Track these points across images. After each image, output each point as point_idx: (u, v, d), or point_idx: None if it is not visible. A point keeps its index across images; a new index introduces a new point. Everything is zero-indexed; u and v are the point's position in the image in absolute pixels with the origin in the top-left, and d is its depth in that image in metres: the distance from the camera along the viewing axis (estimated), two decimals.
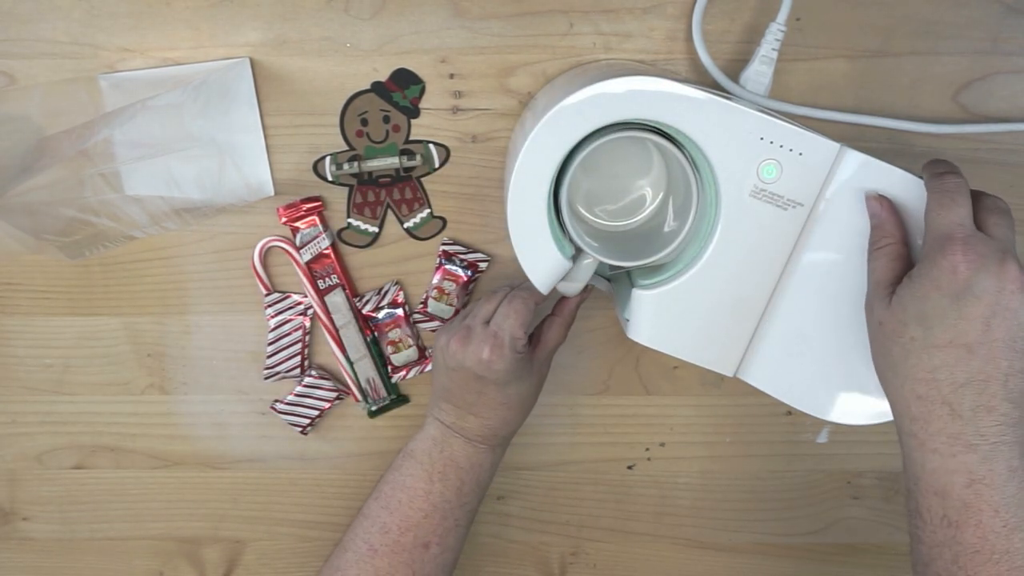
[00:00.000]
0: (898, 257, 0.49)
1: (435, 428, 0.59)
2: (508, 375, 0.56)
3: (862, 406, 0.55)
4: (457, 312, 0.64)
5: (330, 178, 0.62)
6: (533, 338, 0.59)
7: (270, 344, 0.65)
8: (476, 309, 0.58)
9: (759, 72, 0.56)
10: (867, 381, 0.54)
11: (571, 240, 0.54)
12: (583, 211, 0.57)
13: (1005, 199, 0.50)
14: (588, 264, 0.55)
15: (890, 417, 0.54)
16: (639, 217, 0.57)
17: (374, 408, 0.67)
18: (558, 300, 0.59)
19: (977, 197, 0.49)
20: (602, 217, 0.58)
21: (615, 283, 0.61)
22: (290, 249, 0.63)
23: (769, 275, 0.53)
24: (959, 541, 0.45)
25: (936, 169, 0.49)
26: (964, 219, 0.46)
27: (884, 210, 0.50)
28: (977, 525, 0.44)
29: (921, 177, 0.51)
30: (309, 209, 0.62)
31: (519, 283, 0.59)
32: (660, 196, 0.57)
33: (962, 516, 0.45)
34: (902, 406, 0.48)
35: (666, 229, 0.55)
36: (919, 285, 0.46)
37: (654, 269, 0.55)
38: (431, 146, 0.61)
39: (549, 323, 0.59)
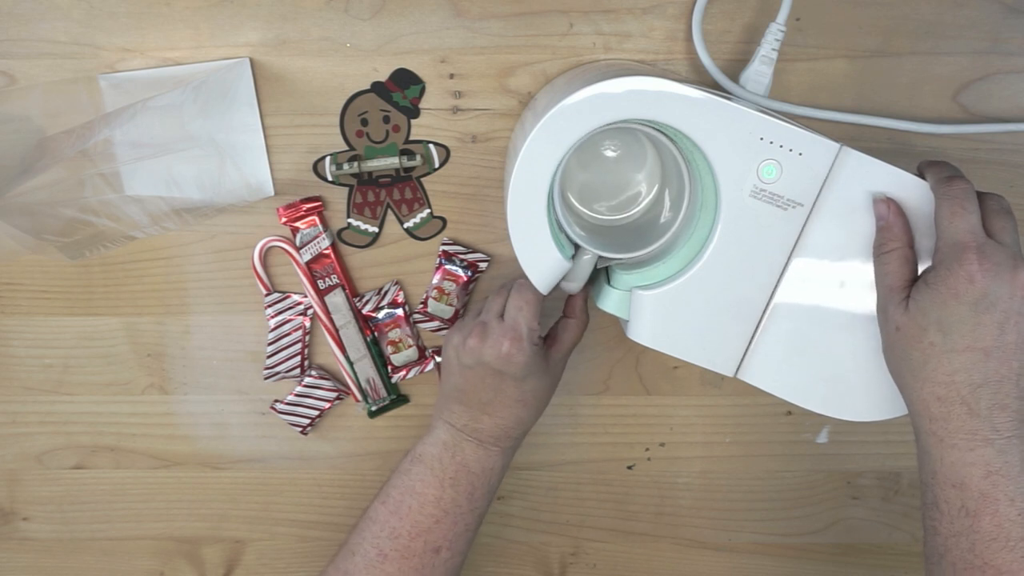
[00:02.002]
0: (907, 261, 0.50)
1: (445, 432, 0.58)
2: (526, 369, 0.55)
3: (862, 403, 0.55)
4: (457, 312, 0.64)
5: (330, 178, 0.62)
6: (549, 339, 0.59)
7: (270, 344, 0.65)
8: (487, 306, 0.58)
9: (759, 72, 0.56)
10: (867, 379, 0.54)
11: (569, 238, 0.54)
12: (580, 206, 0.58)
13: (1005, 199, 0.50)
14: (587, 260, 0.55)
15: (890, 414, 0.54)
16: (636, 209, 0.58)
17: (374, 408, 0.67)
18: (567, 300, 0.59)
19: (980, 198, 0.49)
20: (601, 212, 0.58)
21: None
22: (290, 249, 0.63)
23: (769, 275, 0.53)
24: (976, 530, 0.47)
25: (941, 173, 0.50)
26: (975, 227, 0.48)
27: (892, 213, 0.50)
28: (994, 514, 0.46)
29: (921, 177, 0.51)
30: (309, 209, 0.62)
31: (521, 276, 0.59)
32: (656, 188, 0.57)
33: (980, 506, 0.47)
34: (921, 406, 0.49)
35: (662, 220, 0.55)
36: (937, 292, 0.47)
37: (641, 264, 0.55)
38: (431, 146, 0.61)
39: (564, 324, 0.59)
